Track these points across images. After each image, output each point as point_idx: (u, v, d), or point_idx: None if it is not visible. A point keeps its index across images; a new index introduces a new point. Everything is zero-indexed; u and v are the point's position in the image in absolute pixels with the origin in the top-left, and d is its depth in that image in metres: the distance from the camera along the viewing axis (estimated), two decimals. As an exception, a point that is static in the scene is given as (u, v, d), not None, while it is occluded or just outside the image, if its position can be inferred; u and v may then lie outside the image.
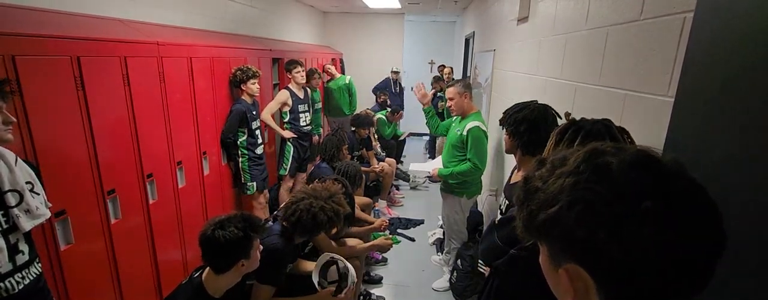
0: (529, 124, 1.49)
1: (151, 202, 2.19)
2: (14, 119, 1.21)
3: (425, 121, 3.14)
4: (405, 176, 5.19)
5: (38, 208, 1.28)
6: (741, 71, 0.75)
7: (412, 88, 3.19)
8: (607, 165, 0.44)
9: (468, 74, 5.48)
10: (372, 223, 2.86)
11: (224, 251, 1.45)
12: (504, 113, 1.61)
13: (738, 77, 0.76)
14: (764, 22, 0.70)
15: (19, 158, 1.28)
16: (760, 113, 0.70)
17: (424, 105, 3.09)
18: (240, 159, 3.14)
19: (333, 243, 2.36)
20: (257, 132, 3.25)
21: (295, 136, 3.85)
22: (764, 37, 0.70)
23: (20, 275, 1.25)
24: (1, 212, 1.20)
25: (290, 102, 3.79)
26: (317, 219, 1.80)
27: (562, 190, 0.44)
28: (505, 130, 1.60)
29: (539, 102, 1.58)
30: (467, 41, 5.74)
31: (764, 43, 0.70)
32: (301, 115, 3.91)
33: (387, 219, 4.09)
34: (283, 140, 3.88)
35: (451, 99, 2.67)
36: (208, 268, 1.51)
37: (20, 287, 1.24)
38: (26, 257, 1.27)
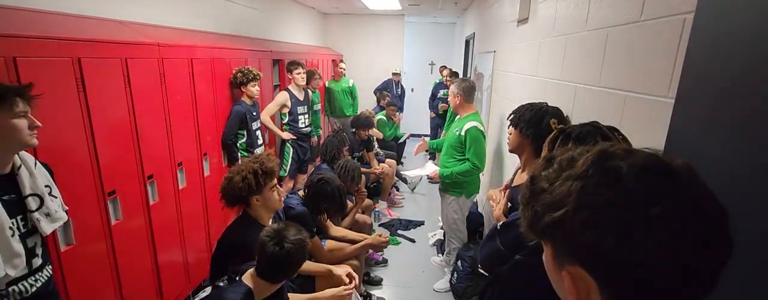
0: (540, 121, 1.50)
1: (151, 203, 2.19)
2: (39, 124, 1.20)
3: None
4: (403, 180, 5.17)
5: (57, 211, 1.29)
6: (741, 72, 0.75)
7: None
8: (616, 169, 0.42)
9: (468, 75, 5.48)
10: (367, 235, 2.62)
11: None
12: (514, 112, 1.60)
13: (738, 78, 0.76)
14: (764, 23, 0.70)
15: (37, 161, 1.29)
16: (760, 113, 0.70)
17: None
18: (241, 160, 3.14)
19: (324, 247, 2.35)
20: (257, 133, 3.25)
21: (294, 137, 3.85)
22: (764, 38, 0.70)
23: (33, 278, 1.25)
24: (20, 216, 1.20)
25: (289, 104, 3.79)
26: (232, 181, 1.84)
27: (569, 193, 0.43)
28: (516, 129, 1.57)
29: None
30: (467, 42, 5.74)
31: (764, 44, 0.70)
32: (300, 116, 3.91)
33: (387, 220, 4.10)
34: (283, 142, 3.88)
35: (451, 93, 2.82)
36: (251, 273, 1.46)
37: (33, 290, 1.24)
38: (40, 260, 1.27)
